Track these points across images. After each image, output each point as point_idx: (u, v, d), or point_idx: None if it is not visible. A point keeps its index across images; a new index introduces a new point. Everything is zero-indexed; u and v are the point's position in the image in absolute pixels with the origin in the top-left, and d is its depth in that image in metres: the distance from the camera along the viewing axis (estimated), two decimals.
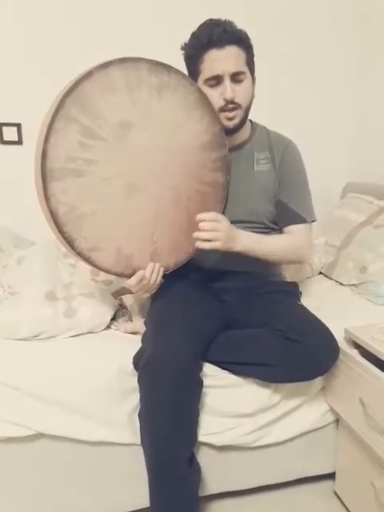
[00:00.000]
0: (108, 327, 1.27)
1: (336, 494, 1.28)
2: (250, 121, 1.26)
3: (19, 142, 1.87)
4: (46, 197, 0.92)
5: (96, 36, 1.82)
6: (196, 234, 1.05)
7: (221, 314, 1.22)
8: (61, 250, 1.41)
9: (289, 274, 1.56)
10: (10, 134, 1.85)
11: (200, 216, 1.04)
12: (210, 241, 1.05)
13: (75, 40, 1.83)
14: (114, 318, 1.30)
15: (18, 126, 1.86)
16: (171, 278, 1.27)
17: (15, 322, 1.13)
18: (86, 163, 0.95)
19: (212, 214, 1.06)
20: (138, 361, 1.05)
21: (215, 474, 1.20)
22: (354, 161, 2.24)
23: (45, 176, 0.91)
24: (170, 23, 1.84)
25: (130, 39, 1.81)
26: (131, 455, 1.11)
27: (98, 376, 1.08)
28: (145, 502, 1.08)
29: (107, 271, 1.04)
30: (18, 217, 1.75)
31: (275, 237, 1.25)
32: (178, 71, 1.04)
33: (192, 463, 1.08)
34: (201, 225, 1.04)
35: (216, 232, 1.05)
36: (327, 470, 1.30)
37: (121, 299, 1.39)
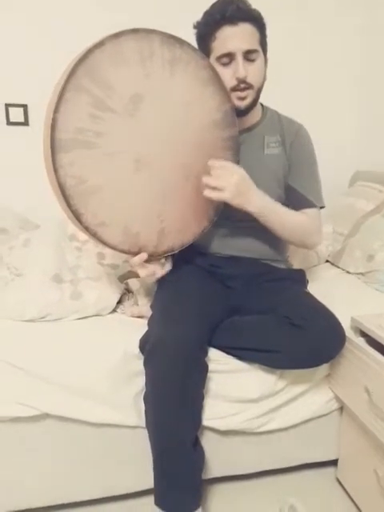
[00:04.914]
0: (114, 311, 1.27)
1: (338, 480, 1.29)
2: (261, 104, 1.24)
3: (25, 123, 1.86)
4: (55, 168, 0.90)
5: (104, 18, 1.79)
6: (205, 179, 1.04)
7: (227, 300, 1.21)
8: (67, 233, 1.41)
9: (295, 262, 1.55)
10: (16, 115, 1.84)
11: (211, 162, 1.05)
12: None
13: (83, 20, 1.80)
14: (119, 302, 1.30)
15: (25, 107, 1.85)
16: (178, 262, 1.27)
17: (22, 304, 1.13)
18: (96, 135, 0.93)
19: (221, 162, 1.05)
20: (144, 344, 1.05)
21: (219, 458, 1.21)
22: (362, 149, 2.22)
23: (54, 147, 0.89)
24: (178, 7, 1.81)
25: (140, 20, 1.78)
26: (136, 437, 1.12)
27: (104, 358, 1.08)
28: (149, 483, 1.09)
29: (114, 248, 1.02)
30: (23, 198, 1.75)
31: (292, 211, 1.20)
32: (189, 45, 1.02)
33: (196, 447, 1.09)
34: (211, 173, 1.04)
35: (223, 182, 1.03)
36: (330, 457, 1.31)
37: (127, 283, 1.39)
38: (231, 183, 1.04)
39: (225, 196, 1.04)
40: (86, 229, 0.97)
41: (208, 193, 1.05)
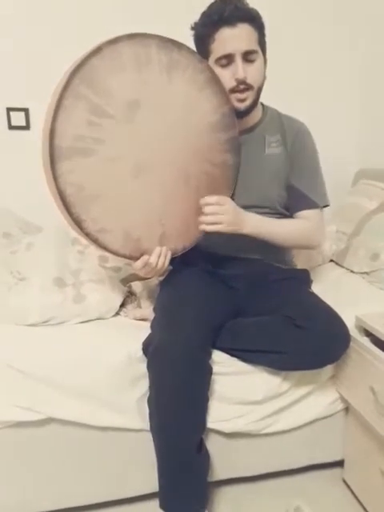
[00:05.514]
0: (117, 314, 1.27)
1: (344, 481, 1.28)
2: (261, 103, 1.23)
3: (27, 127, 1.87)
4: (54, 177, 0.90)
5: (104, 21, 1.79)
6: (200, 218, 1.08)
7: (230, 302, 1.21)
8: (70, 237, 1.41)
9: (299, 262, 1.54)
10: (17, 119, 1.85)
11: (203, 200, 1.07)
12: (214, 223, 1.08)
13: (83, 24, 1.80)
14: (122, 305, 1.30)
15: (26, 110, 1.86)
16: (180, 265, 1.27)
17: (25, 308, 1.13)
18: (94, 142, 0.93)
19: (215, 198, 1.07)
20: (147, 347, 1.05)
21: (224, 460, 1.20)
22: (365, 147, 2.21)
23: (53, 155, 0.89)
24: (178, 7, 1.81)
25: (139, 24, 1.78)
26: (140, 440, 1.12)
27: (107, 362, 1.08)
28: (154, 486, 1.09)
29: (115, 253, 1.03)
30: (25, 202, 1.75)
31: (286, 220, 1.23)
32: (187, 48, 1.02)
33: (201, 449, 1.09)
34: (205, 209, 1.07)
35: (219, 215, 1.07)
36: (336, 458, 1.30)
37: (130, 286, 1.39)
38: (225, 214, 1.07)
39: (220, 228, 1.08)
40: (87, 235, 0.98)
41: (204, 227, 1.08)
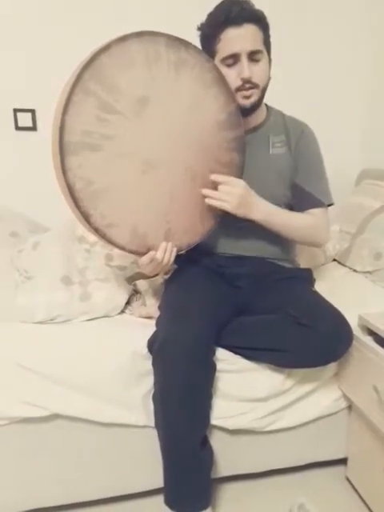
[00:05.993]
0: (122, 312, 1.28)
1: (348, 479, 1.28)
2: (265, 104, 1.24)
3: (33, 128, 1.88)
4: (64, 170, 0.92)
5: (111, 22, 1.81)
6: (205, 191, 1.08)
7: (234, 300, 1.22)
8: (76, 235, 1.42)
9: (302, 261, 1.55)
10: (24, 120, 1.86)
11: (213, 176, 1.08)
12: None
13: (90, 25, 1.82)
14: (128, 303, 1.31)
15: (33, 111, 1.87)
16: (185, 263, 1.28)
17: (32, 306, 1.14)
18: (103, 138, 0.95)
19: (222, 178, 1.09)
20: (152, 344, 1.06)
21: (228, 457, 1.21)
22: (368, 147, 2.20)
23: (62, 149, 0.91)
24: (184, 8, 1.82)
25: (144, 24, 1.79)
26: (145, 437, 1.13)
27: (113, 359, 1.09)
28: (159, 482, 1.10)
29: (122, 248, 1.03)
30: (32, 202, 1.76)
31: (296, 214, 1.23)
32: (195, 47, 1.03)
33: (205, 446, 1.10)
34: (219, 187, 1.08)
35: (224, 194, 1.08)
36: (339, 456, 1.30)
37: (135, 284, 1.40)
38: (235, 196, 1.08)
39: (225, 207, 1.09)
40: (96, 230, 0.99)
41: (209, 201, 1.09)
